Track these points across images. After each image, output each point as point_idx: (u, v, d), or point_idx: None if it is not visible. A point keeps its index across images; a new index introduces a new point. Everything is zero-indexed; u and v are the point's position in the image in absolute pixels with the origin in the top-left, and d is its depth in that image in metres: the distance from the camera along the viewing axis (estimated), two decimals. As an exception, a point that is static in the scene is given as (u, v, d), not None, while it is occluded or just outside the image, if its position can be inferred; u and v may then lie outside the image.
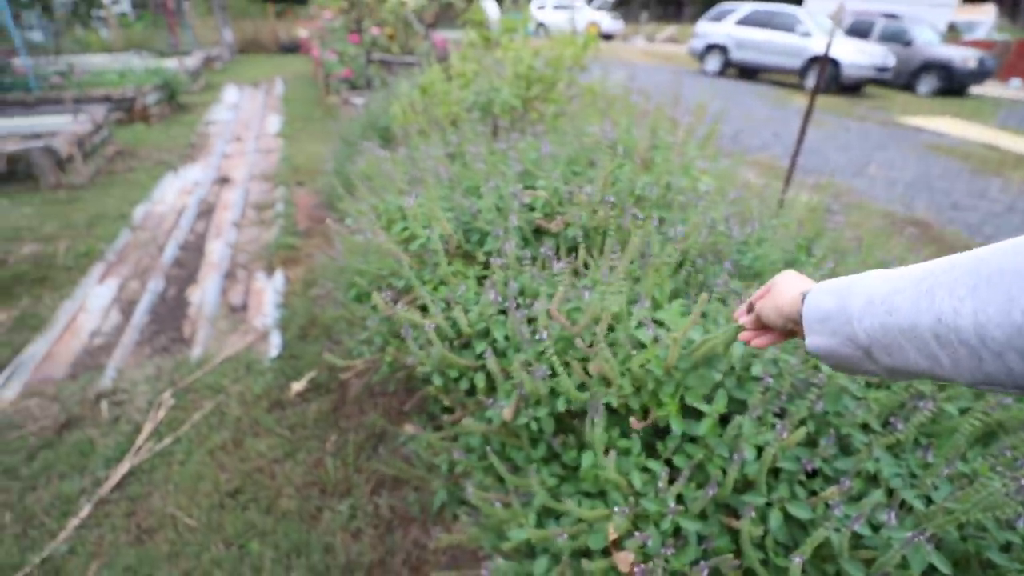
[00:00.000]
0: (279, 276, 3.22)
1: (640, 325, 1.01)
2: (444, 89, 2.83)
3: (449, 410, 1.31)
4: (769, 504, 0.91)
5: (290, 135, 6.97)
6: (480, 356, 1.14)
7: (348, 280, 1.69)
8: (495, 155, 1.88)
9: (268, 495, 1.77)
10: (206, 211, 4.42)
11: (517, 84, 2.45)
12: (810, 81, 12.09)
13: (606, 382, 1.01)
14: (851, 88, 12.13)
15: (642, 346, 1.02)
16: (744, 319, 0.74)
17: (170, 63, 9.88)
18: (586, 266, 1.21)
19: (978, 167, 6.99)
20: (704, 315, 1.06)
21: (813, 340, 0.57)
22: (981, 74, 12.82)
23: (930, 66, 12.81)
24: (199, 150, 6.38)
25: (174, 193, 4.86)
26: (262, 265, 3.39)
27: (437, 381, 1.17)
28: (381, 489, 1.80)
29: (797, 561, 0.76)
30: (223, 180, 5.28)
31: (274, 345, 2.53)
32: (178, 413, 2.10)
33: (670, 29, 28.48)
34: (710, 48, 13.68)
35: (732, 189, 1.51)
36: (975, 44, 16.11)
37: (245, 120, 8.09)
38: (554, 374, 1.03)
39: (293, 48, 16.58)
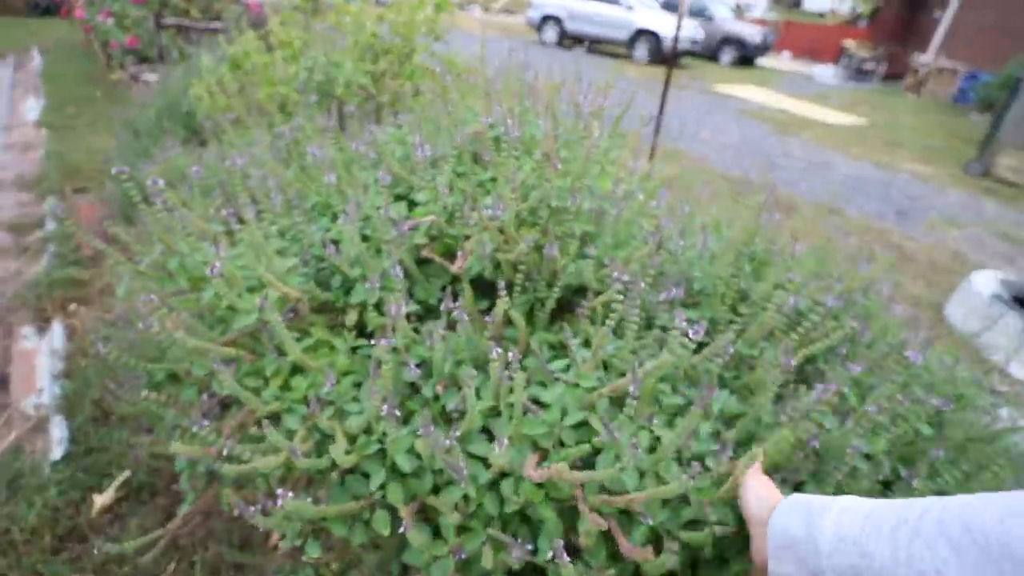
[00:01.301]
0: (57, 329, 2.34)
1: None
2: (264, 62, 2.20)
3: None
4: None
5: (59, 124, 5.39)
6: (381, 488, 0.75)
7: (146, 357, 1.14)
8: (345, 153, 1.42)
9: None
10: (-74, 241, 3.13)
11: (362, 57, 1.97)
12: (638, 52, 12.97)
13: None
14: (672, 58, 13.28)
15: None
16: None
17: None
18: (508, 321, 0.89)
19: (779, 129, 8.07)
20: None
21: (776, 567, 0.56)
22: (764, 48, 15.14)
23: (729, 40, 14.78)
24: (-92, 151, 4.59)
25: None
26: (29, 315, 2.45)
27: (313, 551, 0.76)
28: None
29: None
30: (-46, 193, 3.84)
31: (57, 440, 1.77)
32: None
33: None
34: (546, 19, 13.91)
35: (654, 184, 1.29)
36: (756, 22, 18.79)
37: (-16, 106, 6.08)
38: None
39: (52, 9, 13.04)
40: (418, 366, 0.84)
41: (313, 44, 2.07)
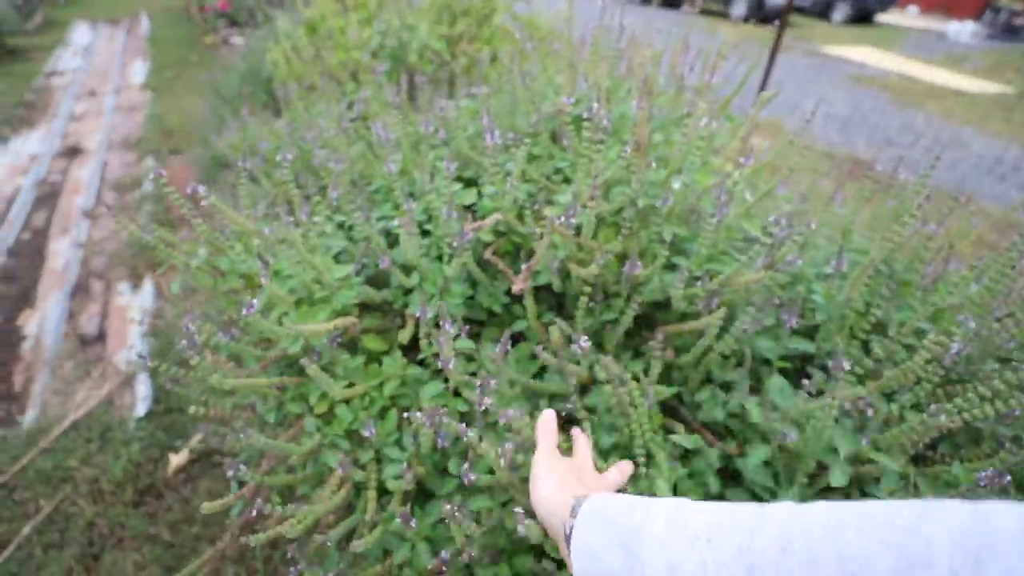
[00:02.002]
0: (148, 287, 2.50)
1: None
2: (339, 26, 2.13)
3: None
4: None
5: (160, 87, 5.74)
6: (400, 568, 0.67)
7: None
8: (412, 130, 1.31)
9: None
10: (48, 196, 3.46)
11: (439, 19, 1.83)
12: (736, 9, 11.85)
13: None
14: (775, 17, 12.01)
15: None
16: None
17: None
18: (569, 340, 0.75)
19: (899, 99, 7.07)
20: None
21: None
22: (886, 2, 13.27)
23: (843, -8, 13.07)
24: (38, 111, 5.08)
25: (2, 173, 3.78)
26: (125, 272, 2.63)
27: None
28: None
29: None
30: (72, 151, 4.21)
31: (142, 397, 1.89)
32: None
33: (589, -47, 26.95)
34: (635, -27, 13.00)
35: (760, 177, 1.08)
36: (880, -30, 16.50)
37: (101, 68, 6.61)
38: None
39: (160, -25, 13.94)
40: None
41: (388, 4, 1.96)
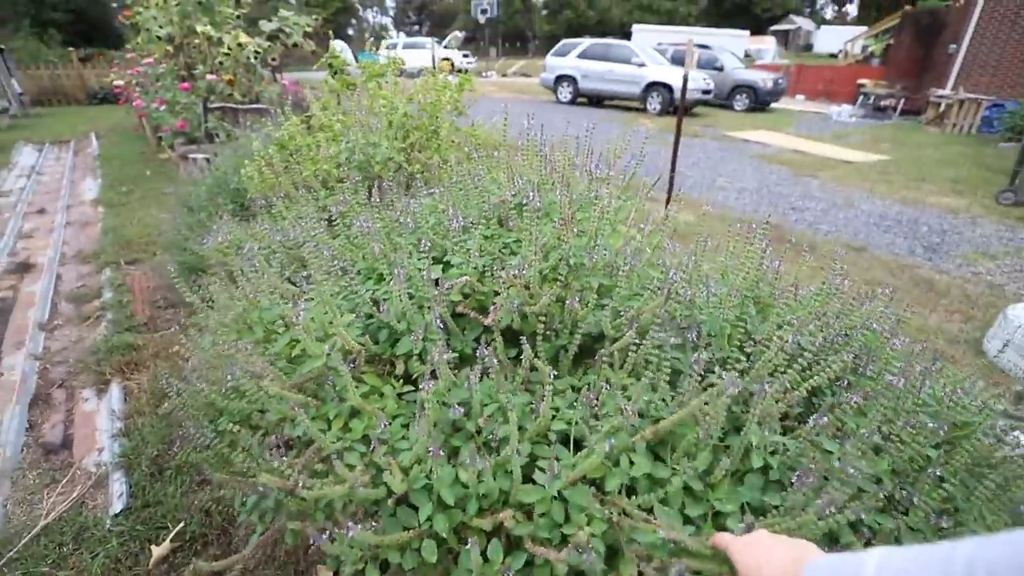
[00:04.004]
0: (115, 391, 2.53)
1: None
2: (308, 144, 2.46)
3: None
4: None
5: (114, 202, 5.89)
6: (428, 521, 0.84)
7: (214, 408, 1.27)
8: (384, 222, 1.59)
9: None
10: None
11: (394, 135, 2.19)
12: (651, 104, 13.50)
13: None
14: (685, 109, 13.80)
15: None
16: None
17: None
18: (533, 368, 0.99)
19: (798, 170, 8.17)
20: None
21: None
22: (777, 92, 15.55)
23: (740, 87, 15.28)
24: (-16, 232, 5.08)
25: (-53, 294, 3.74)
26: (89, 379, 2.65)
27: (372, 574, 0.84)
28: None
29: None
30: (23, 267, 4.22)
31: (117, 495, 1.90)
32: (-34, 639, 1.44)
33: (520, 63, 30.28)
34: (560, 79, 14.68)
35: (660, 236, 1.40)
36: (767, 68, 19.42)
37: (50, 187, 6.71)
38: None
39: (108, 98, 14.48)
40: (460, 405, 0.94)
41: (351, 126, 2.32)
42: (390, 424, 0.94)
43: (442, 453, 0.83)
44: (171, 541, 1.69)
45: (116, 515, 1.81)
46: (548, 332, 1.11)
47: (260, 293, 1.19)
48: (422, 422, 0.86)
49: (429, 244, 1.26)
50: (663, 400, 0.98)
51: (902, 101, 15.28)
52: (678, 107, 14.37)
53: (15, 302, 3.60)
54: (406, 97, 2.39)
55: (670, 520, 0.80)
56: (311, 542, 0.92)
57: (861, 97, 16.16)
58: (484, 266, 1.26)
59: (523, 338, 1.00)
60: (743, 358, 1.00)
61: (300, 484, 0.82)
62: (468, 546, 0.79)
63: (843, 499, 0.73)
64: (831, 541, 0.82)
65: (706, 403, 0.84)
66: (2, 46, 12.92)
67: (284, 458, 0.91)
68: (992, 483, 0.85)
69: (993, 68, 12.88)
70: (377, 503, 0.88)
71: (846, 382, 1.02)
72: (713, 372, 0.97)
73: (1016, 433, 0.97)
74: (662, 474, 0.84)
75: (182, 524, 1.75)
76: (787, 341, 0.91)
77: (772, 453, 0.89)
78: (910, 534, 0.85)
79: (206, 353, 1.26)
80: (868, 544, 0.86)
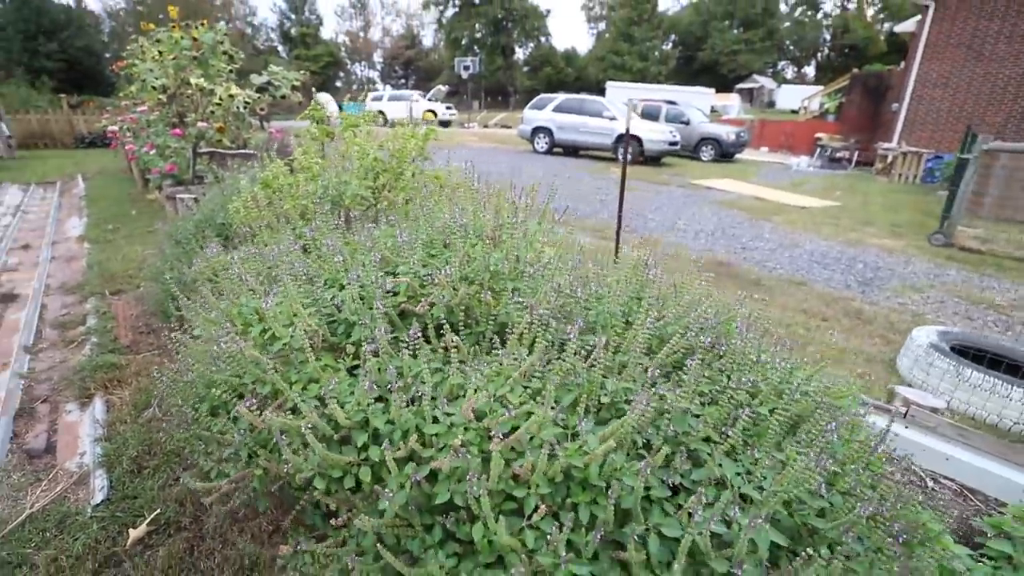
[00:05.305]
0: (98, 403, 2.72)
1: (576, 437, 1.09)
2: (290, 183, 2.80)
3: (334, 514, 1.22)
4: (647, 530, 1.02)
5: (100, 238, 6.12)
6: (363, 449, 1.11)
7: (197, 394, 1.53)
8: (351, 245, 1.90)
9: None
10: (-15, 339, 3.60)
11: (365, 176, 2.53)
12: (622, 155, 14.37)
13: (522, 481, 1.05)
14: (654, 159, 14.68)
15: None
16: None
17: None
18: (456, 348, 1.28)
19: (754, 215, 8.79)
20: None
21: None
22: (740, 144, 16.69)
23: (706, 140, 16.39)
24: (-32, 266, 5.25)
25: (-68, 323, 3.89)
26: (73, 394, 2.84)
27: (319, 484, 1.10)
28: (258, 632, 1.55)
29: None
30: (6, 298, 4.39)
31: (98, 488, 2.09)
32: (-44, 609, 1.61)
33: (500, 115, 31.80)
34: (536, 131, 15.55)
35: (570, 255, 1.74)
36: (732, 122, 20.81)
37: (35, 224, 6.92)
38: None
39: (96, 142, 14.89)
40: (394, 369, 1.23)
41: (327, 168, 2.66)
42: (340, 383, 1.22)
43: (377, 391, 1.11)
44: (147, 525, 1.88)
45: (97, 505, 2.00)
46: (469, 321, 1.41)
47: (240, 294, 1.48)
48: (364, 380, 1.14)
49: (380, 257, 1.58)
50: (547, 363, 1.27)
51: (856, 153, 16.50)
52: (648, 156, 15.22)
53: None
54: (377, 144, 2.76)
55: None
56: (273, 489, 1.18)
57: (819, 149, 17.40)
58: (425, 275, 1.56)
59: (446, 326, 1.30)
60: (622, 340, 1.32)
61: (267, 419, 1.09)
62: (391, 474, 1.06)
63: (655, 416, 1.02)
64: (647, 447, 1.11)
65: (571, 362, 1.14)
66: (-6, 91, 13.29)
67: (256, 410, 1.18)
68: (782, 417, 1.16)
69: (932, 125, 14.14)
70: (326, 440, 1.14)
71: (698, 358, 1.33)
72: (591, 344, 1.28)
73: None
74: (538, 412, 1.13)
75: (158, 511, 1.95)
76: (648, 318, 1.23)
77: (622, 399, 1.19)
78: (725, 458, 1.15)
79: (193, 347, 1.53)
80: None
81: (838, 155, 16.93)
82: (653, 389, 1.15)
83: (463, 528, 1.07)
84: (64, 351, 3.42)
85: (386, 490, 1.04)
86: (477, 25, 50.41)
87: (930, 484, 2.02)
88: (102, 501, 2.02)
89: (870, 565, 1.02)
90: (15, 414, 2.68)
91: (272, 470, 1.22)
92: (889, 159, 14.00)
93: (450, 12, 52.01)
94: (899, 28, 16.50)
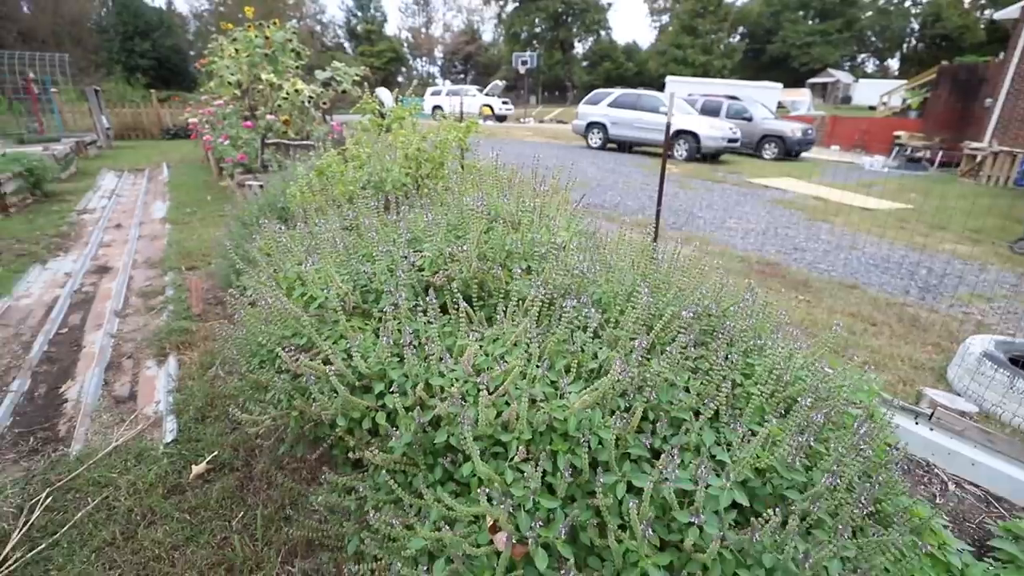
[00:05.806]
0: (172, 362, 3.08)
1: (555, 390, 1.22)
2: (340, 170, 3.04)
3: (354, 452, 1.40)
4: (618, 482, 1.12)
5: (179, 220, 6.74)
6: (380, 396, 1.28)
7: (249, 349, 1.76)
8: (387, 226, 2.09)
9: (166, 586, 1.68)
10: (82, 302, 4.13)
11: (407, 164, 2.73)
12: (678, 151, 14.03)
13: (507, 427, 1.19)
14: (711, 156, 14.22)
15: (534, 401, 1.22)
16: None
17: (34, 150, 9.26)
18: (469, 319, 1.43)
19: (812, 215, 8.41)
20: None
21: None
22: (807, 142, 15.81)
23: (769, 137, 15.64)
24: (71, 239, 5.95)
25: (41, 286, 4.48)
26: (152, 353, 3.23)
27: (341, 423, 1.28)
28: (293, 558, 1.77)
29: (633, 504, 0.98)
30: (102, 269, 4.97)
31: (168, 430, 2.41)
32: (56, 515, 1.93)
33: (557, 111, 31.72)
34: (591, 126, 15.44)
35: (590, 241, 1.84)
36: (800, 119, 19.74)
37: (126, 207, 7.69)
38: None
39: (180, 134, 16.23)
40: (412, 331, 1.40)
41: (375, 156, 2.88)
42: (364, 340, 1.40)
43: (393, 344, 1.28)
44: (207, 464, 2.17)
45: (167, 444, 2.32)
46: (483, 295, 1.55)
47: (287, 262, 1.69)
48: (384, 339, 1.31)
49: (411, 236, 1.75)
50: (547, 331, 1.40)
51: (939, 153, 15.25)
52: (705, 154, 14.82)
53: (96, 295, 4.29)
54: (421, 136, 2.95)
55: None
56: (305, 429, 1.37)
57: (896, 148, 16.24)
58: (449, 253, 1.72)
59: (460, 298, 1.45)
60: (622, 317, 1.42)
61: (302, 362, 1.28)
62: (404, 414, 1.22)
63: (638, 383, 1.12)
64: (629, 412, 1.21)
65: (565, 330, 1.26)
66: (97, 88, 14.75)
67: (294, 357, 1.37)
68: (764, 391, 1.23)
69: (1028, 122, 12.87)
70: (350, 386, 1.32)
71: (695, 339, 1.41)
72: (590, 318, 1.39)
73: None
74: (527, 370, 1.25)
75: (216, 453, 2.23)
76: (643, 297, 1.32)
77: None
78: (708, 428, 1.22)
79: (248, 311, 1.76)
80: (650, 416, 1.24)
81: (917, 155, 15.72)
82: (631, 355, 1.24)
83: (460, 470, 1.21)
84: (146, 316, 3.86)
85: (396, 431, 1.21)
86: (536, 20, 50.38)
87: (951, 488, 1.98)
88: (171, 441, 2.34)
89: (834, 532, 1.08)
90: (106, 366, 3.09)
91: (306, 412, 1.41)
92: (978, 159, 12.87)
93: (510, 7, 52.28)
94: (1000, 15, 14.84)
